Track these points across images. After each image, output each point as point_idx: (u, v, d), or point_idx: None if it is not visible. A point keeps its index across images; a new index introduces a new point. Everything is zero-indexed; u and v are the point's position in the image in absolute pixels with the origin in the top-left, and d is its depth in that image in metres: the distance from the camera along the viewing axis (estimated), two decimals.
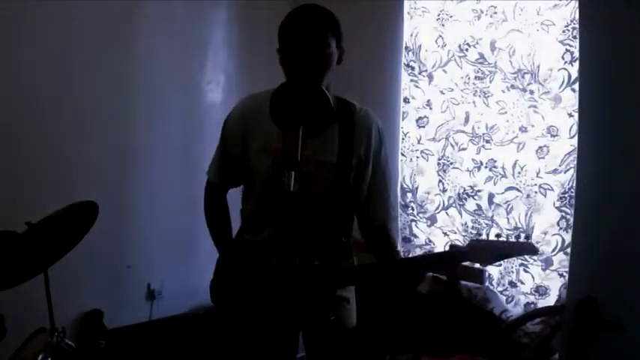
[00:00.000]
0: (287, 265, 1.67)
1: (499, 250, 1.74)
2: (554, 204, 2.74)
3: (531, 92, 2.79)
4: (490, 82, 2.96)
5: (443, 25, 3.15)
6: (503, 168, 2.92)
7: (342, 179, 1.75)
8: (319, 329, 1.88)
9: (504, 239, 1.74)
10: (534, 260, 2.81)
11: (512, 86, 2.87)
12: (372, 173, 1.84)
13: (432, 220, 3.25)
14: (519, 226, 2.86)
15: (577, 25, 2.56)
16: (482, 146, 3.01)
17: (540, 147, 2.78)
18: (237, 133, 1.85)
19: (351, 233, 1.93)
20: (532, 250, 1.79)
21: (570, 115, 2.65)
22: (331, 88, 1.75)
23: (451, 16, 3.11)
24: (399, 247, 3.27)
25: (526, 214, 2.84)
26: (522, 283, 2.87)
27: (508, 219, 2.90)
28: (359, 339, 1.94)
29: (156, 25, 3.37)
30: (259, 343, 1.78)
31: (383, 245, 1.93)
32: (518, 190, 2.87)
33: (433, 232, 3.25)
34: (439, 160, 3.21)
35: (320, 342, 1.90)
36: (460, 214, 3.12)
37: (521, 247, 1.76)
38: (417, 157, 3.31)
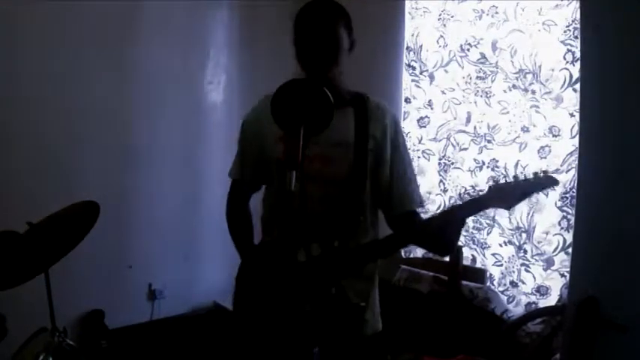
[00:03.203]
0: (305, 261, 1.67)
1: (519, 190, 1.72)
2: (555, 204, 2.73)
3: (533, 92, 2.79)
4: (492, 82, 2.95)
5: (444, 25, 3.14)
6: (505, 168, 2.91)
7: (360, 159, 1.78)
8: (338, 337, 1.85)
9: (522, 178, 1.72)
10: (535, 260, 2.81)
11: (514, 86, 2.86)
12: (391, 161, 1.85)
13: None
14: (521, 225, 2.86)
15: (578, 25, 2.56)
16: (484, 146, 3.01)
17: (542, 147, 2.77)
18: (255, 127, 1.90)
19: (375, 220, 1.91)
20: (552, 182, 1.76)
21: (572, 115, 2.65)
22: (344, 78, 1.80)
23: (452, 16, 3.11)
24: None
25: (528, 214, 2.83)
26: (523, 283, 2.87)
27: (510, 219, 2.90)
28: (380, 347, 1.93)
29: (157, 25, 3.38)
30: (276, 351, 1.77)
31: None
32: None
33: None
34: (440, 160, 3.21)
35: (338, 350, 1.88)
36: None
37: (541, 182, 1.73)
38: (419, 157, 3.31)
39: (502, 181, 1.76)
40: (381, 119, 1.85)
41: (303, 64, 1.78)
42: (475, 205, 1.77)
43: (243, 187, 2.00)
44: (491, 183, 1.77)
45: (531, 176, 1.73)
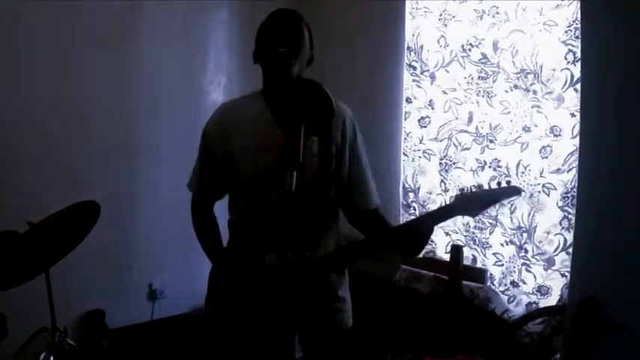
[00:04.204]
0: (281, 262, 1.69)
1: (485, 198, 1.85)
2: (557, 203, 2.73)
3: (534, 92, 2.79)
4: (493, 82, 2.95)
5: (445, 25, 3.14)
6: (507, 168, 2.91)
7: (324, 166, 1.81)
8: (315, 330, 1.88)
9: (487, 188, 1.85)
10: (536, 260, 2.81)
11: (516, 86, 2.86)
12: (349, 162, 1.91)
13: None
14: (522, 225, 2.85)
15: (579, 26, 2.56)
16: (486, 146, 3.00)
17: (544, 147, 2.77)
18: (219, 136, 1.91)
19: (338, 221, 1.97)
20: (515, 192, 1.91)
21: (573, 115, 2.64)
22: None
23: (453, 17, 3.10)
24: None
25: (529, 214, 2.83)
26: (524, 282, 2.86)
27: (511, 218, 2.90)
28: (356, 339, 1.95)
29: (157, 25, 3.37)
30: (257, 348, 1.79)
31: (376, 225, 1.95)
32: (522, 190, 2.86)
33: (435, 232, 3.23)
34: (441, 160, 3.21)
35: (317, 343, 1.91)
36: None
37: (505, 191, 1.87)
38: (419, 157, 3.31)
39: (468, 190, 1.86)
40: (339, 121, 1.88)
41: (264, 61, 1.81)
42: (444, 213, 1.88)
43: (204, 199, 2.03)
44: (457, 192, 1.88)
45: (495, 186, 1.85)
